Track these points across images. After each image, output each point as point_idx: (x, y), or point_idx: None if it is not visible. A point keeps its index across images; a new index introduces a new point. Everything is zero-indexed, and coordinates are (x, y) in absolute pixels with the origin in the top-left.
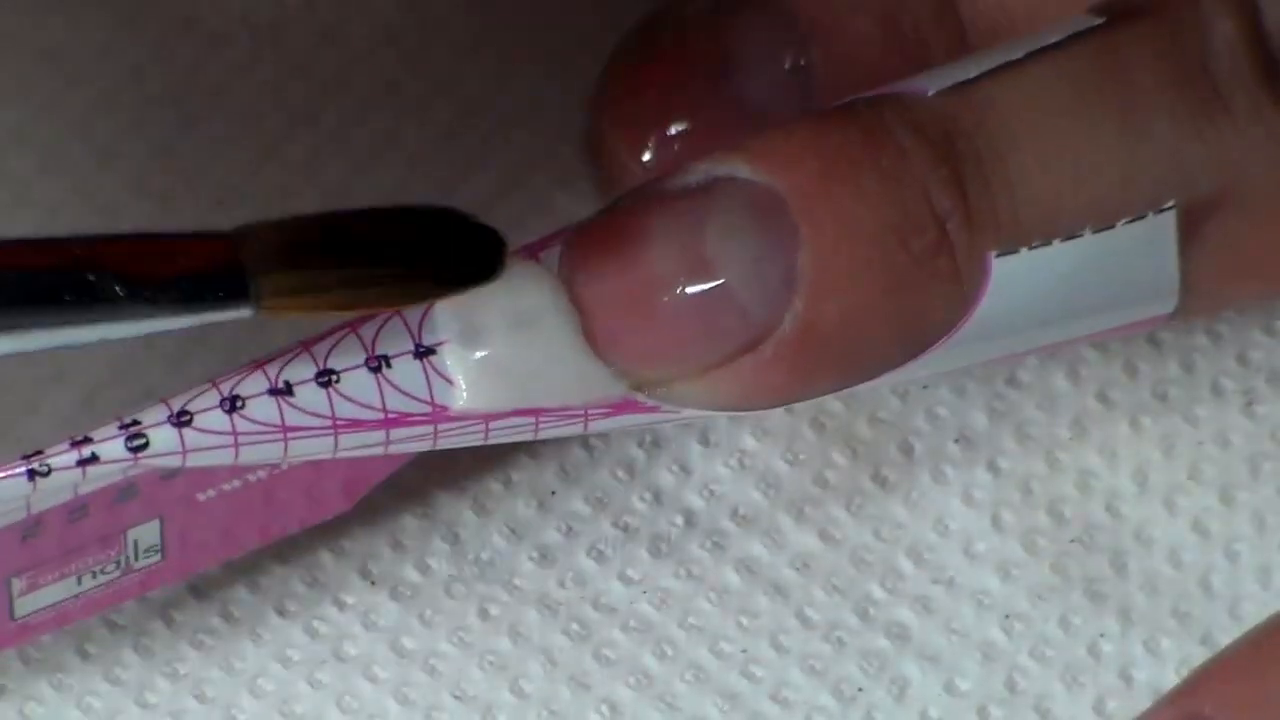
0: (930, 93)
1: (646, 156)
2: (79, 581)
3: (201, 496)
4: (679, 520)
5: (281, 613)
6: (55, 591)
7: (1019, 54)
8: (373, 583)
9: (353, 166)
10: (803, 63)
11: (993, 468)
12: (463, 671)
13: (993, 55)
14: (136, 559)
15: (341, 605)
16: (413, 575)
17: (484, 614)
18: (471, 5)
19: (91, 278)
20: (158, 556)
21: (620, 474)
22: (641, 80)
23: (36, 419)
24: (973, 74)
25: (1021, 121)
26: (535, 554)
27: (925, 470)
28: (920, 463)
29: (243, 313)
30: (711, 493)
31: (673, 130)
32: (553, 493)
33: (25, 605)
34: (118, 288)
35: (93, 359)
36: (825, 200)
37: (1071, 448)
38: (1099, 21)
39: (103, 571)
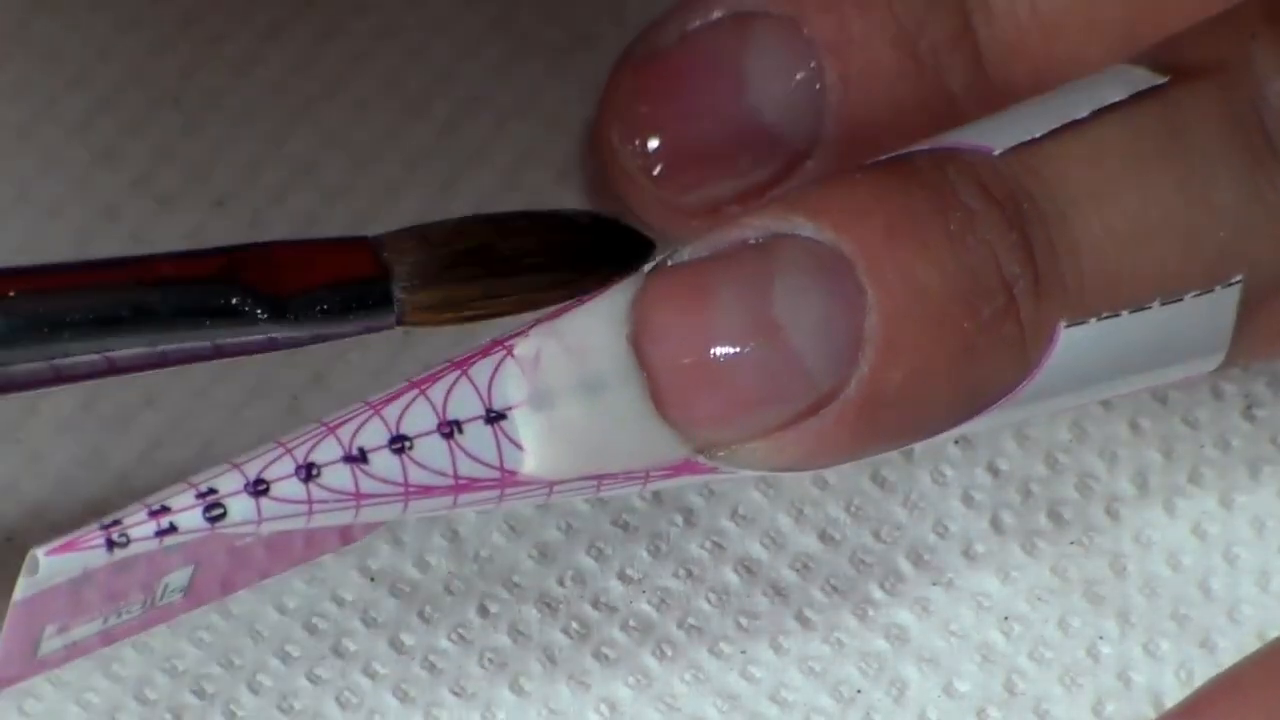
0: (996, 152)
1: (650, 158)
2: (104, 621)
3: (239, 542)
4: (679, 519)
5: (281, 609)
6: (82, 631)
7: (1083, 112)
8: (372, 579)
9: (353, 165)
10: (816, 81)
11: (992, 469)
12: (462, 669)
13: (1052, 107)
14: (161, 598)
15: (341, 601)
16: (412, 572)
17: (484, 611)
18: (471, 2)
19: (233, 300)
20: (180, 595)
21: None
22: (648, 85)
23: (36, 419)
24: (1037, 133)
25: (1087, 186)
26: (535, 551)
27: (925, 471)
28: (920, 464)
29: (383, 325)
30: (711, 492)
31: (678, 137)
32: None
33: (52, 644)
34: (259, 311)
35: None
36: (893, 262)
37: (1071, 450)
38: (1161, 81)
39: (128, 611)
